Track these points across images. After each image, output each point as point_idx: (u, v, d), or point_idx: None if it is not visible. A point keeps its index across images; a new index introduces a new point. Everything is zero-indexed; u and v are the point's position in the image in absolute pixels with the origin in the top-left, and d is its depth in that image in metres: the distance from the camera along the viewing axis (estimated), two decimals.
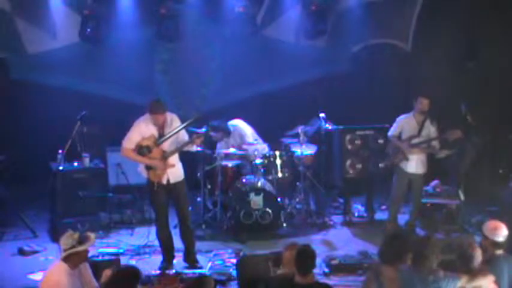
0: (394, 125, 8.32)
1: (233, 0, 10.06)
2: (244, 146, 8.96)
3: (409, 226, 8.43)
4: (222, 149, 9.09)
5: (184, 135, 7.21)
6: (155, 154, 7.09)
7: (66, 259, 5.30)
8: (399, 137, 8.26)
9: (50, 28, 9.81)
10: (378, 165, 8.88)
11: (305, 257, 4.99)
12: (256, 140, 9.08)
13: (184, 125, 7.17)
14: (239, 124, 9.20)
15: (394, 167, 8.35)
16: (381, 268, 5.02)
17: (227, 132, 9.07)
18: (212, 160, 8.91)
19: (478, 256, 5.05)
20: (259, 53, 10.50)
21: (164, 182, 7.17)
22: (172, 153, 7.13)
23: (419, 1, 10.49)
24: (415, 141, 8.12)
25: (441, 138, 8.07)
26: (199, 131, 7.43)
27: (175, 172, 7.24)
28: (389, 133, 8.37)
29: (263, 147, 9.02)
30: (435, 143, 8.15)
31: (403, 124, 8.24)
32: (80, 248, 5.30)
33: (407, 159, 8.15)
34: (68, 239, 5.32)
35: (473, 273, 4.97)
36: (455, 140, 8.65)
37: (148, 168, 7.12)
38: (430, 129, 8.12)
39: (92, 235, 5.55)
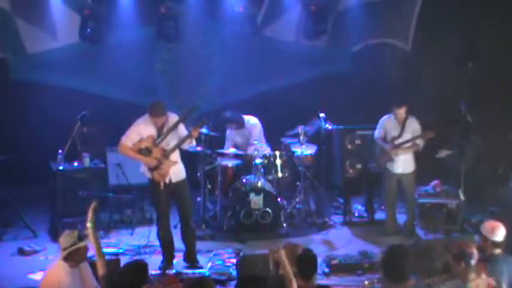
0: (378, 127, 8.44)
1: (233, 0, 10.06)
2: (251, 147, 8.96)
3: (408, 226, 8.44)
4: (231, 140, 9.21)
5: (183, 131, 7.20)
6: (156, 154, 7.10)
7: (66, 258, 5.29)
8: (384, 138, 8.33)
9: (50, 28, 9.80)
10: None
11: (307, 262, 4.98)
12: (256, 140, 9.08)
13: (179, 119, 7.17)
14: (256, 126, 9.20)
15: (382, 168, 8.38)
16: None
17: (240, 123, 9.10)
18: (212, 160, 8.92)
19: (474, 255, 5.03)
20: (259, 52, 10.50)
21: (166, 181, 7.18)
22: (172, 150, 7.13)
23: (419, 1, 10.49)
24: (398, 141, 8.17)
25: (418, 138, 8.11)
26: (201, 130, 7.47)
27: (176, 171, 7.24)
28: (375, 135, 8.47)
29: (264, 148, 9.02)
30: (419, 141, 8.19)
31: (386, 125, 8.33)
32: (81, 244, 5.29)
33: (392, 160, 8.22)
34: (67, 237, 5.31)
35: (477, 275, 4.96)
36: (456, 140, 8.70)
37: (153, 168, 7.12)
38: (414, 127, 8.17)
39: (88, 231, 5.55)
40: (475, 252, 5.01)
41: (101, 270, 5.30)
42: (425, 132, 8.09)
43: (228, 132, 9.34)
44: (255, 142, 8.96)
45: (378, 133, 8.44)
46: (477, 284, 4.93)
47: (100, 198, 8.49)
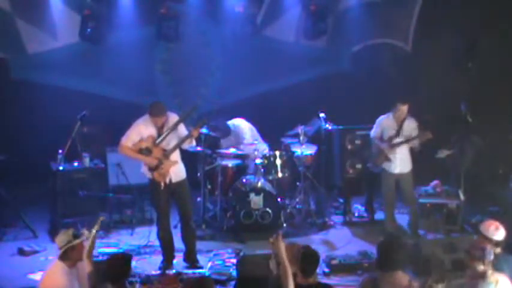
0: (375, 126, 8.40)
1: (233, 0, 10.06)
2: (242, 147, 8.99)
3: (413, 226, 8.43)
4: (225, 146, 9.15)
5: (183, 131, 7.21)
6: (156, 154, 7.10)
7: (63, 256, 5.31)
8: (381, 137, 8.31)
9: (50, 28, 9.80)
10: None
11: (311, 260, 5.00)
12: (256, 140, 9.10)
13: (180, 119, 7.17)
14: (240, 124, 9.25)
15: (379, 168, 8.37)
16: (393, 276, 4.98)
17: (226, 131, 9.09)
18: (212, 160, 8.92)
19: (492, 252, 5.08)
20: (259, 53, 10.50)
21: (167, 181, 7.18)
22: (173, 150, 7.13)
23: (420, 1, 10.49)
24: (396, 141, 8.16)
25: (415, 139, 8.08)
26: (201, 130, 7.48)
27: (177, 171, 7.24)
28: (371, 134, 8.44)
29: (263, 148, 9.02)
30: (415, 141, 8.17)
31: (383, 124, 8.30)
32: (76, 242, 5.32)
33: (389, 159, 8.20)
34: (62, 236, 5.34)
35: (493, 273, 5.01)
36: (456, 140, 8.70)
37: (153, 168, 7.12)
38: (412, 127, 8.15)
39: (86, 232, 5.58)
40: (491, 249, 5.07)
41: (88, 268, 5.41)
42: (423, 133, 8.05)
43: (222, 141, 9.34)
44: (255, 142, 8.97)
45: (374, 132, 8.41)
46: (496, 280, 4.96)
47: (100, 198, 8.55)
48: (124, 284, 5.18)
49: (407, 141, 8.13)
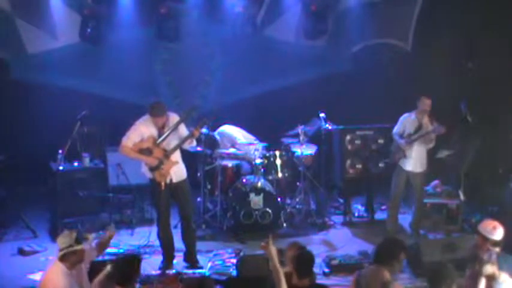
0: (398, 123, 8.38)
1: (233, 0, 10.07)
2: (237, 146, 8.99)
3: (414, 226, 8.42)
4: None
5: (184, 131, 7.20)
6: (157, 154, 7.10)
7: (63, 258, 5.30)
8: (401, 135, 8.31)
9: (50, 28, 9.81)
10: (378, 165, 8.91)
11: (304, 261, 5.01)
12: (256, 140, 9.11)
13: (180, 119, 7.17)
14: (226, 129, 9.23)
15: (395, 164, 8.36)
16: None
17: (215, 144, 9.10)
18: (212, 160, 8.92)
19: (495, 255, 5.12)
20: (259, 53, 10.51)
21: (167, 181, 7.18)
22: (173, 150, 7.13)
23: (419, 1, 10.50)
24: (414, 137, 8.14)
25: (430, 132, 8.06)
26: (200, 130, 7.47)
27: (178, 171, 7.24)
28: (393, 131, 8.43)
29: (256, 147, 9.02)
30: (432, 135, 8.14)
31: (405, 123, 8.29)
32: (77, 247, 5.30)
33: (405, 156, 8.18)
34: (65, 238, 5.33)
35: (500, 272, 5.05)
36: (456, 140, 8.69)
37: (153, 169, 7.12)
38: (430, 127, 8.14)
39: (90, 236, 5.58)
40: (493, 249, 5.13)
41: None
42: (439, 127, 8.01)
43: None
44: (256, 142, 8.98)
45: (396, 129, 8.37)
46: (504, 279, 4.99)
47: (100, 198, 8.54)
48: (133, 287, 5.11)
49: (422, 135, 8.09)
